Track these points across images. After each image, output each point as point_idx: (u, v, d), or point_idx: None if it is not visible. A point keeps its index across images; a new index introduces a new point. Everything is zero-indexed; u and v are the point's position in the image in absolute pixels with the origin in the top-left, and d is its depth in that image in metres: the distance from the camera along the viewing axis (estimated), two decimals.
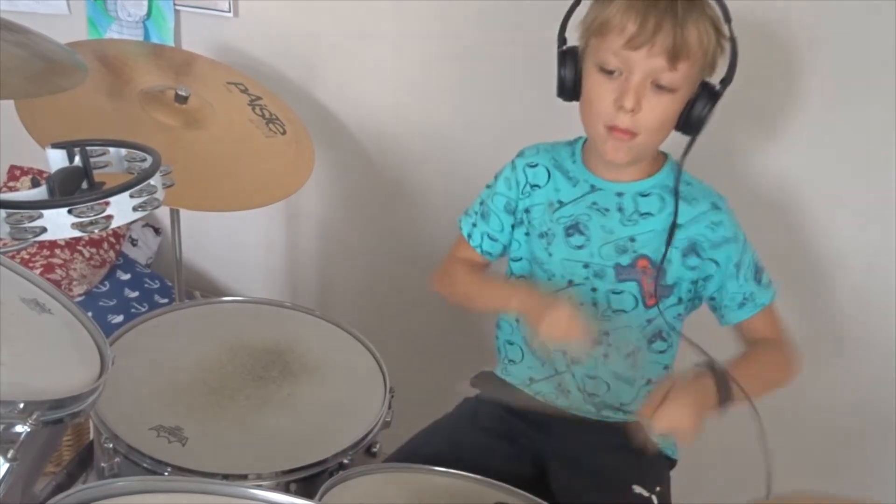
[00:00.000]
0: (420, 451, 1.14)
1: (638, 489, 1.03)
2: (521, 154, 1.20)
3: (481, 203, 1.23)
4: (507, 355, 1.26)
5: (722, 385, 1.00)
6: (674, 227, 1.08)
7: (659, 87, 1.00)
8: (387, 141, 1.70)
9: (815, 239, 1.38)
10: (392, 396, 1.19)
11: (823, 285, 1.40)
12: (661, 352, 1.17)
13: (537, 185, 1.17)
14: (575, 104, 1.10)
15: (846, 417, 1.46)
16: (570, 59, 1.07)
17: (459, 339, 1.77)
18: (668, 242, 1.08)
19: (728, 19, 0.99)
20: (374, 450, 1.12)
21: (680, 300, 1.14)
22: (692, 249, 1.10)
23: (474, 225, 1.23)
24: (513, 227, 1.20)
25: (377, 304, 1.85)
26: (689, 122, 1.04)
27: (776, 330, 1.14)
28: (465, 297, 1.22)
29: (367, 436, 1.11)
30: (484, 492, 1.03)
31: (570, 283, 1.15)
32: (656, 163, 1.13)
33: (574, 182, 1.15)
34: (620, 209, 1.12)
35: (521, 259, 1.21)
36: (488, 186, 1.23)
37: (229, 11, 1.71)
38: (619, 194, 1.12)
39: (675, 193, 1.09)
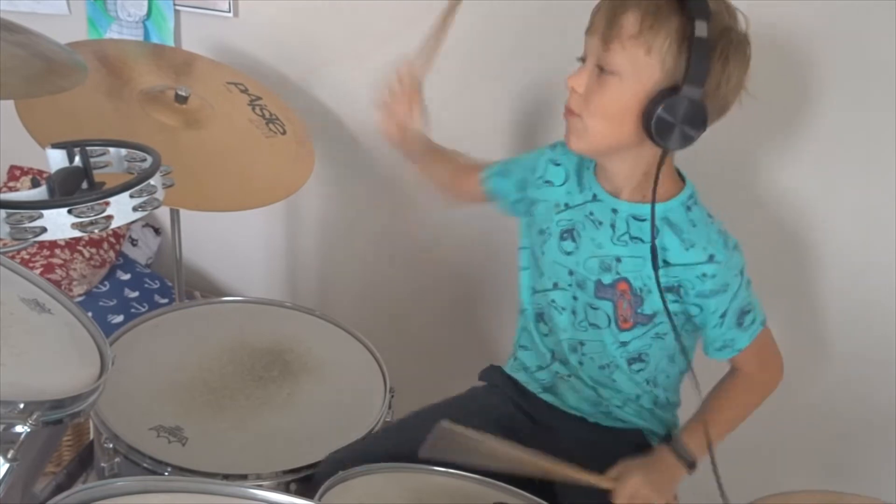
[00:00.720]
0: (421, 425, 1.03)
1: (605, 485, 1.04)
2: (554, 146, 1.20)
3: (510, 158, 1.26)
4: (519, 340, 1.27)
5: (681, 452, 1.05)
6: (657, 271, 1.03)
7: (601, 70, 1.00)
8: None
9: (813, 240, 1.38)
10: (392, 396, 1.19)
11: (821, 286, 1.40)
12: (640, 370, 1.16)
13: (550, 183, 1.17)
14: None
15: (845, 417, 1.46)
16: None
17: (459, 338, 1.77)
18: (658, 283, 1.03)
19: (704, 16, 0.93)
20: None
21: (659, 325, 1.12)
22: (676, 290, 1.07)
23: (495, 163, 1.27)
24: (519, 197, 1.22)
25: (377, 304, 1.85)
26: (650, 127, 0.97)
27: (756, 359, 1.13)
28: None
29: (367, 436, 1.11)
30: (484, 492, 1.03)
31: (556, 285, 1.16)
32: (667, 190, 1.06)
33: (582, 188, 1.15)
34: (613, 226, 1.09)
35: (526, 248, 1.22)
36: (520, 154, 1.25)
37: (229, 11, 1.71)
38: (614, 211, 1.09)
39: (653, 254, 1.03)
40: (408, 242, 1.77)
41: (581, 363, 1.18)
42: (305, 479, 1.03)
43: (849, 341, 1.41)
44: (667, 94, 0.96)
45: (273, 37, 1.72)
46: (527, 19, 1.44)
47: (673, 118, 0.96)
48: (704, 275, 1.05)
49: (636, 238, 1.07)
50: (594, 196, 1.12)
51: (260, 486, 0.81)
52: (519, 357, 1.27)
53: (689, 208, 1.07)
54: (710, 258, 1.04)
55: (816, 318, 1.42)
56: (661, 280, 1.04)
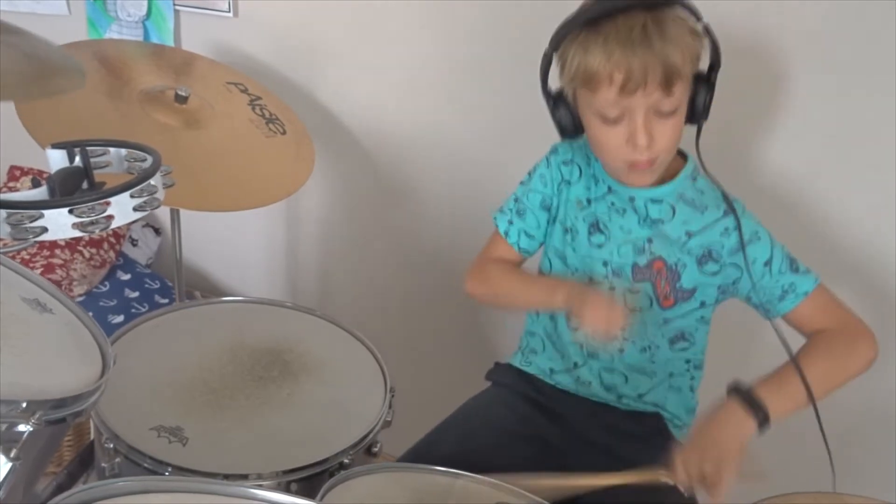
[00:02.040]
0: (432, 454, 1.13)
1: (664, 477, 1.03)
2: (554, 151, 1.20)
3: (516, 200, 1.23)
4: (529, 345, 1.27)
5: (755, 407, 1.00)
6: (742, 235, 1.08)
7: (662, 114, 1.01)
8: (387, 141, 1.70)
9: (817, 236, 1.38)
10: (392, 396, 1.19)
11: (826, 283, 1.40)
12: (683, 349, 1.18)
13: (569, 182, 1.18)
14: None
15: (845, 417, 1.45)
16: (560, 104, 1.08)
17: (460, 338, 1.77)
18: (744, 254, 1.08)
19: (697, 15, 1.00)
20: (375, 450, 1.12)
21: (703, 304, 1.15)
22: (708, 256, 1.11)
23: (510, 222, 1.23)
24: (548, 222, 1.21)
25: (377, 304, 1.85)
26: (695, 114, 1.06)
27: (831, 314, 1.10)
28: (506, 296, 1.23)
29: (367, 436, 1.11)
30: (484, 492, 1.03)
31: (590, 279, 1.17)
32: (672, 168, 1.12)
33: (596, 180, 1.17)
34: (636, 210, 1.13)
35: (555, 253, 1.22)
36: (522, 183, 1.23)
37: (229, 11, 1.71)
38: (631, 199, 1.13)
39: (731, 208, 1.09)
40: (408, 242, 1.77)
41: (622, 350, 1.18)
42: (306, 479, 1.03)
43: None
44: (703, 84, 1.04)
45: (273, 37, 1.72)
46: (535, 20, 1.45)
47: (709, 99, 1.05)
48: (726, 229, 1.09)
49: (657, 220, 1.12)
50: (609, 188, 1.15)
51: (261, 486, 0.81)
52: (531, 359, 1.27)
53: (694, 179, 1.13)
54: (724, 213, 1.10)
55: None
56: (694, 252, 1.10)
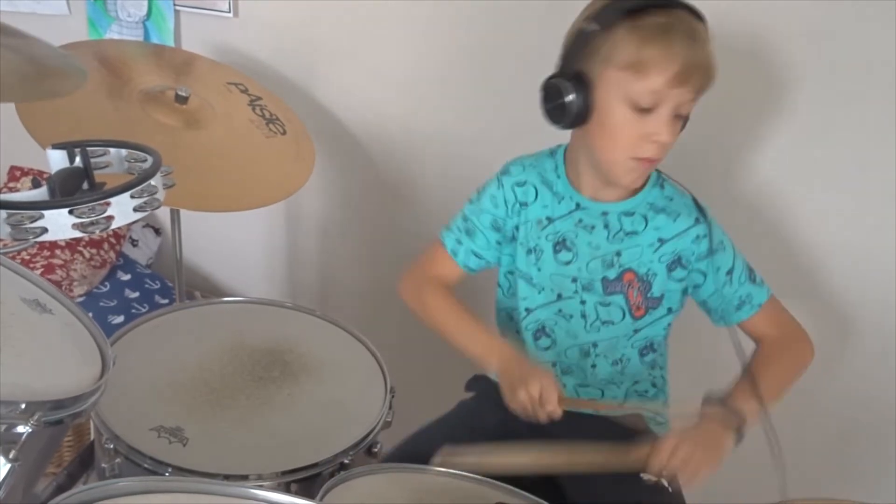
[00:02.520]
0: (418, 452, 1.14)
1: (647, 476, 1.02)
2: (506, 172, 1.19)
3: (465, 219, 1.21)
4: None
5: (734, 417, 1.01)
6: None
7: (679, 116, 1.02)
8: (386, 141, 1.70)
9: (808, 239, 1.38)
10: (392, 396, 1.19)
11: (820, 286, 1.40)
12: (651, 360, 1.20)
13: (526, 203, 1.17)
14: None
15: (845, 418, 1.46)
16: (579, 86, 1.02)
17: None
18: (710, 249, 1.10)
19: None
20: (375, 450, 1.12)
21: (670, 310, 1.16)
22: (678, 263, 1.12)
23: (459, 242, 1.22)
24: (498, 243, 1.20)
25: (377, 304, 1.85)
26: None
27: (779, 323, 1.14)
28: (438, 327, 1.19)
29: (367, 436, 1.11)
30: (484, 492, 1.03)
31: (559, 296, 1.16)
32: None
33: (559, 198, 1.15)
34: (607, 226, 1.13)
35: (512, 273, 1.21)
36: (471, 202, 1.22)
37: (229, 11, 1.71)
38: (605, 213, 1.13)
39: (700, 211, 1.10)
40: (408, 242, 1.77)
41: (594, 365, 1.18)
42: (306, 480, 1.03)
43: (848, 341, 1.41)
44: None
45: (273, 37, 1.72)
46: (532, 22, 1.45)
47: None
48: (698, 237, 1.11)
49: (630, 232, 1.12)
50: (577, 205, 1.14)
51: (261, 487, 0.81)
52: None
53: (661, 186, 1.14)
54: (696, 220, 1.11)
55: (816, 319, 1.42)
56: (664, 259, 1.12)
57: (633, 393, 1.21)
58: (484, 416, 1.22)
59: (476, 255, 1.21)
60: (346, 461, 1.06)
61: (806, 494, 0.95)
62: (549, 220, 1.15)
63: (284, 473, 1.02)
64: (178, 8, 1.76)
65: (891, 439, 1.42)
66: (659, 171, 1.14)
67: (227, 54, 1.75)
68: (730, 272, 1.12)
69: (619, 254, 1.12)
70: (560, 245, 1.15)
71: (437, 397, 1.26)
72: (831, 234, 1.36)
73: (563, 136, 1.19)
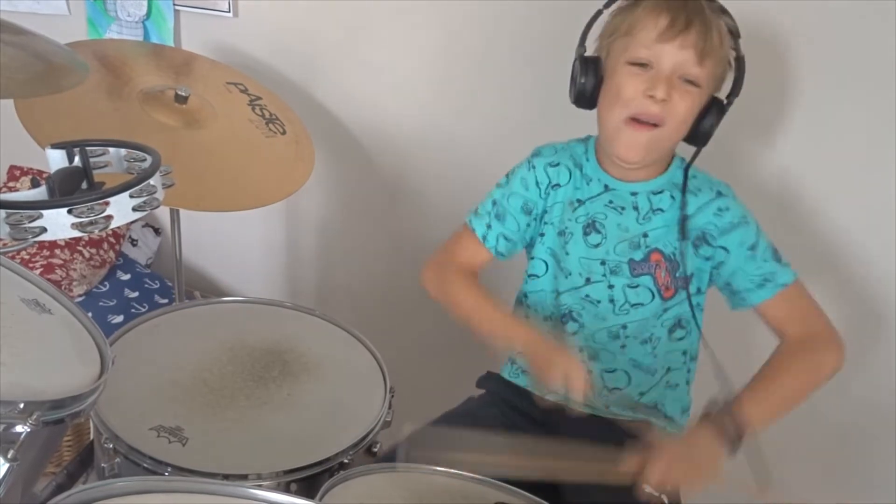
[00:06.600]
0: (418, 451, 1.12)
1: (649, 489, 1.02)
2: (538, 153, 1.20)
3: (494, 203, 1.21)
4: (517, 361, 1.26)
5: (730, 426, 1.00)
6: (684, 220, 1.11)
7: (686, 81, 1.04)
8: (387, 141, 1.70)
9: (809, 240, 1.38)
10: (392, 396, 1.18)
11: (819, 287, 1.39)
12: (681, 339, 1.19)
13: (559, 185, 1.18)
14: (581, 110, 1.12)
15: (845, 418, 1.45)
16: (591, 67, 1.10)
17: (460, 338, 1.76)
18: (683, 233, 1.11)
19: (737, 35, 1.05)
20: (375, 449, 1.12)
21: (699, 290, 1.16)
22: (702, 239, 1.13)
23: (489, 226, 1.21)
24: (528, 226, 1.21)
25: (377, 304, 1.85)
26: (698, 134, 1.10)
27: (805, 315, 1.11)
28: (461, 314, 1.18)
29: (367, 436, 1.11)
30: (484, 492, 1.03)
31: (588, 280, 1.16)
32: (664, 163, 1.15)
33: (588, 180, 1.17)
34: (636, 207, 1.14)
35: (541, 257, 1.21)
36: (499, 186, 1.22)
37: (229, 11, 1.71)
38: (634, 194, 1.14)
39: (684, 187, 1.12)
40: (408, 241, 1.77)
41: (624, 346, 1.18)
42: (306, 479, 1.03)
43: (847, 341, 1.41)
44: (716, 106, 1.08)
45: (273, 37, 1.72)
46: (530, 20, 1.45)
47: (715, 125, 1.09)
48: (720, 209, 1.12)
49: (658, 210, 1.13)
50: (606, 186, 1.16)
51: (260, 487, 0.81)
52: (520, 373, 1.26)
53: (685, 168, 1.15)
54: (718, 193, 1.13)
55: None
56: (690, 236, 1.13)
57: (665, 385, 1.19)
58: (491, 414, 1.22)
59: (507, 238, 1.21)
60: (346, 461, 1.06)
61: (806, 497, 0.95)
62: (580, 201, 1.17)
63: (284, 473, 1.02)
64: (177, 8, 1.76)
65: (891, 440, 1.42)
66: (682, 157, 1.15)
67: (226, 54, 1.75)
68: (753, 247, 1.11)
69: (645, 235, 1.13)
70: (590, 227, 1.15)
71: (436, 397, 1.26)
72: (834, 233, 1.36)
73: (564, 134, 1.20)
